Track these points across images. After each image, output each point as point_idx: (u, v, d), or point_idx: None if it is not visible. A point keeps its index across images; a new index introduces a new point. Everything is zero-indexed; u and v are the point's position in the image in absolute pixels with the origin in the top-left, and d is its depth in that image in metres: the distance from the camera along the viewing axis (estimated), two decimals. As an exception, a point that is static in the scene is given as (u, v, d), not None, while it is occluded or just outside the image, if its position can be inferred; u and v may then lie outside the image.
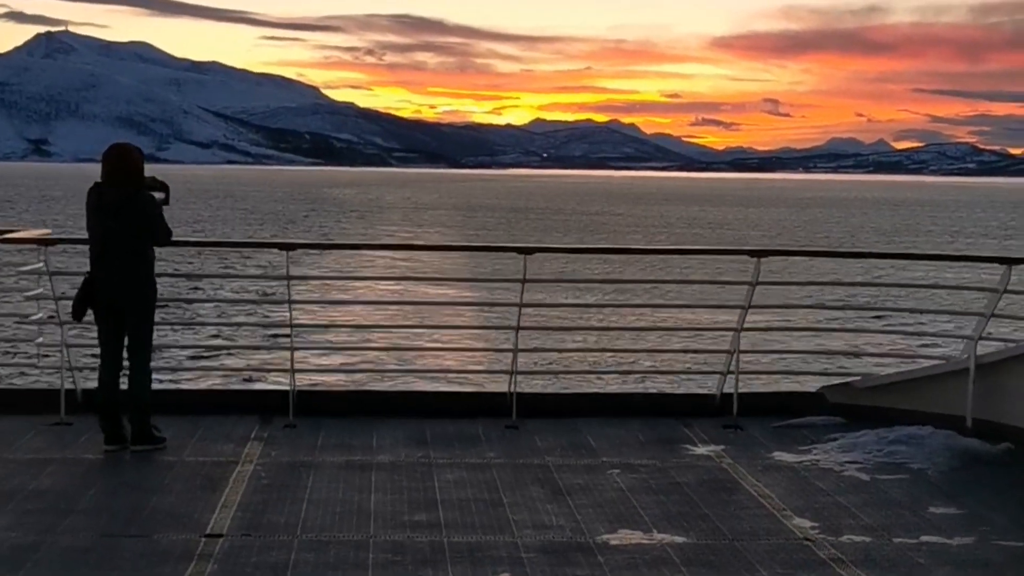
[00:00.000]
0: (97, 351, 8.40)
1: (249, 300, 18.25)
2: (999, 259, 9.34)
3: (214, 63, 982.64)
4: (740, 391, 9.56)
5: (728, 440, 8.83)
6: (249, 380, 16.97)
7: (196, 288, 26.33)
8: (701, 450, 8.54)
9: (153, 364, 8.40)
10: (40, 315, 9.40)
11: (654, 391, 14.60)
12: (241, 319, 19.52)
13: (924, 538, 6.47)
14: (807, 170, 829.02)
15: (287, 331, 9.66)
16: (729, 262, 31.90)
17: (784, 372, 13.32)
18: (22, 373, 15.69)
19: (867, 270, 40.16)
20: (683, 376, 15.36)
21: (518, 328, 9.50)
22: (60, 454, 8.06)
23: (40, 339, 9.64)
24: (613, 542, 6.30)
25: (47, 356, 10.18)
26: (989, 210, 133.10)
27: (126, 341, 8.24)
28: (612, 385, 15.95)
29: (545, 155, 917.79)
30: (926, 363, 10.10)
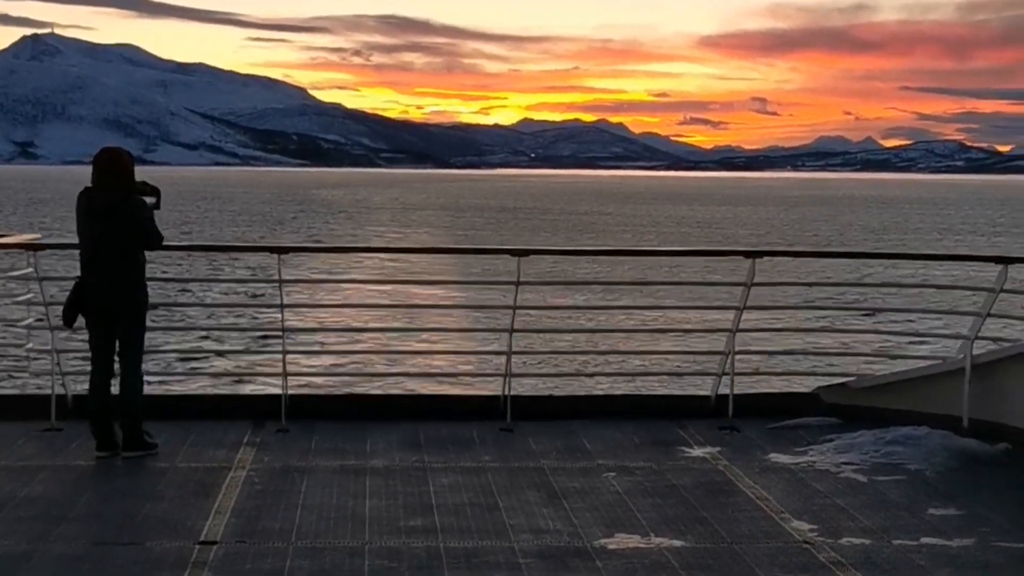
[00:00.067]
0: (88, 356, 8.32)
1: (241, 304, 18.17)
2: (996, 258, 9.29)
3: (201, 64, 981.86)
4: (735, 392, 9.52)
5: (724, 442, 8.78)
6: (240, 382, 16.92)
7: (186, 291, 26.33)
8: (697, 452, 8.48)
9: (144, 369, 8.32)
10: (30, 320, 9.29)
11: (649, 393, 14.60)
12: (232, 322, 19.47)
13: (924, 540, 6.43)
14: (795, 168, 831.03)
15: (279, 335, 9.60)
16: (723, 263, 31.82)
17: (779, 373, 13.26)
18: (11, 378, 15.59)
19: (862, 270, 40.12)
20: (678, 377, 15.30)
21: (512, 330, 9.42)
22: (51, 460, 7.99)
23: (30, 344, 9.54)
24: (611, 546, 6.24)
25: (37, 361, 10.09)
26: (978, 207, 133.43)
27: (117, 346, 8.16)
28: (607, 387, 15.89)
29: (533, 155, 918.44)
30: (922, 363, 10.08)
